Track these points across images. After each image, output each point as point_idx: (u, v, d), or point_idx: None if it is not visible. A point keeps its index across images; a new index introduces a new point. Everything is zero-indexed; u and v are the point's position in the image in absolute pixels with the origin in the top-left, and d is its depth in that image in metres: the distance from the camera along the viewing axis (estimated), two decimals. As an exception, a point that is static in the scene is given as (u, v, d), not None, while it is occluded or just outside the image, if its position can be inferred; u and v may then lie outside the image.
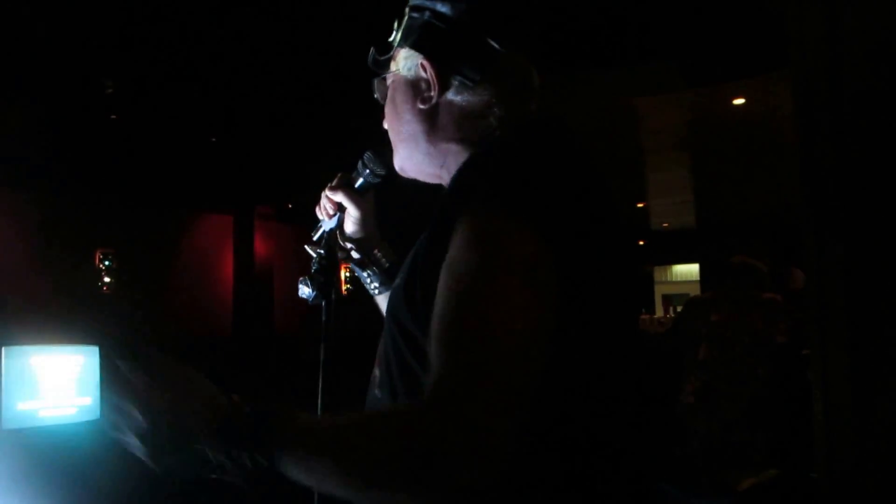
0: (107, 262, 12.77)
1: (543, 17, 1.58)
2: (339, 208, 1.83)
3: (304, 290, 1.77)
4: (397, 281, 1.44)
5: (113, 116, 9.33)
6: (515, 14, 1.50)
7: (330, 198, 1.83)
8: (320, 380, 1.72)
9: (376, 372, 1.47)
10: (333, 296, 1.77)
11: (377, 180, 1.78)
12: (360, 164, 1.79)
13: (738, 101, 8.63)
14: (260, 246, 15.00)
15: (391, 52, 1.56)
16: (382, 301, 1.82)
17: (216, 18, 6.72)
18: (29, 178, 10.71)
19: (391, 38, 1.55)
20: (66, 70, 7.74)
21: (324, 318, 1.78)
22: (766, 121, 8.98)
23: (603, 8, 6.24)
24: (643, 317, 15.44)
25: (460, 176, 1.38)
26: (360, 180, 1.79)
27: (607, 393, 1.32)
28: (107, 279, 12.77)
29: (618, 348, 1.35)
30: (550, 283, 1.17)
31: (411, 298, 1.32)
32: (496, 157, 1.35)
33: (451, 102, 1.47)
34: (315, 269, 1.79)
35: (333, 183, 1.82)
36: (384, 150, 1.67)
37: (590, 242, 1.27)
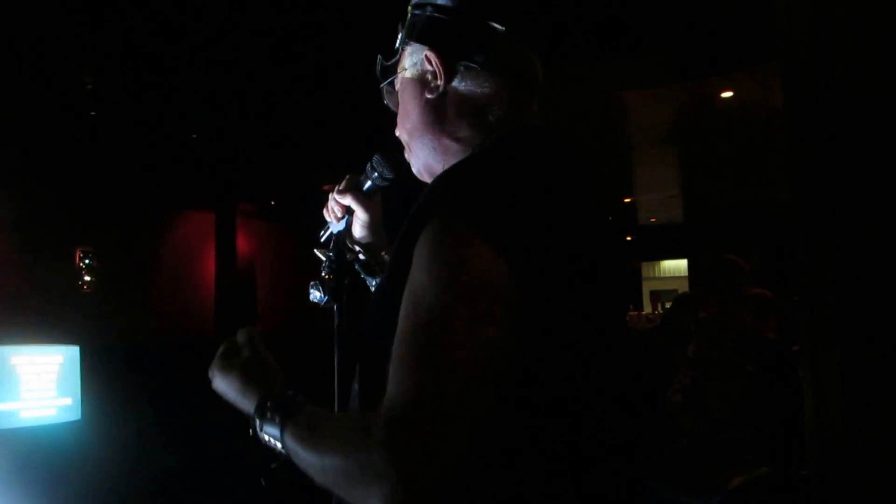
0: (87, 261, 12.72)
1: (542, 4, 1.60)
2: (348, 211, 1.84)
3: (315, 294, 1.79)
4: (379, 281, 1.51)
5: (92, 113, 9.28)
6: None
7: (338, 201, 1.83)
8: (335, 384, 1.73)
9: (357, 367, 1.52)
10: (345, 298, 1.78)
11: (385, 183, 1.79)
12: (368, 167, 1.79)
13: (727, 95, 8.62)
14: (242, 243, 15.01)
15: (397, 56, 1.60)
16: None
17: (197, 15, 6.69)
18: (7, 176, 10.65)
19: (397, 44, 1.60)
20: (44, 66, 7.70)
21: (336, 322, 1.79)
22: (754, 114, 8.99)
23: (589, 1, 6.24)
24: (631, 313, 15.49)
25: (434, 183, 1.40)
26: (368, 183, 1.80)
27: (586, 405, 1.34)
28: (87, 278, 12.72)
29: (598, 360, 1.36)
30: (508, 302, 1.20)
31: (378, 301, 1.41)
32: (470, 168, 1.39)
33: (456, 91, 1.50)
34: (325, 273, 1.80)
35: (341, 186, 1.83)
36: (393, 153, 1.70)
37: (560, 258, 1.28)
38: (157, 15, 6.65)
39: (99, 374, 6.18)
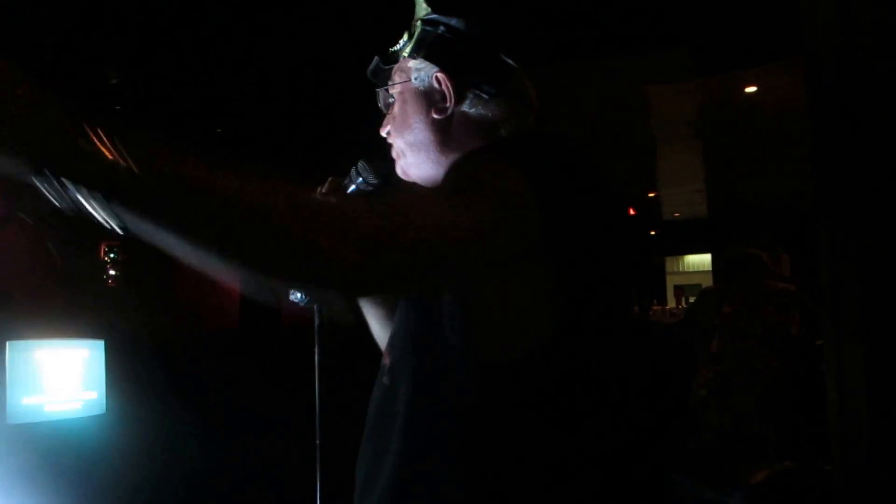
0: (112, 255, 12.77)
1: (545, 22, 1.62)
2: None
3: (296, 295, 1.80)
4: None
5: (117, 107, 9.33)
6: (522, 30, 1.60)
7: None
8: (316, 381, 1.74)
9: (386, 360, 1.50)
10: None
11: (370, 188, 1.79)
12: (353, 172, 1.80)
13: (750, 89, 8.61)
14: (267, 238, 15.04)
15: (396, 63, 1.60)
16: (365, 302, 1.86)
17: (223, 8, 6.71)
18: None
19: (397, 48, 1.60)
20: (69, 60, 7.74)
21: (316, 322, 1.83)
22: (778, 109, 8.95)
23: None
24: (655, 307, 15.48)
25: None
26: (353, 187, 1.80)
27: (600, 378, 1.35)
28: (112, 272, 12.78)
29: (611, 336, 1.39)
30: (519, 211, 1.22)
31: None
32: (492, 144, 1.48)
33: (465, 114, 1.53)
34: None
35: (324, 189, 1.83)
36: (377, 158, 1.72)
37: (581, 221, 1.32)
38: (182, 9, 6.68)
39: (124, 369, 6.22)
